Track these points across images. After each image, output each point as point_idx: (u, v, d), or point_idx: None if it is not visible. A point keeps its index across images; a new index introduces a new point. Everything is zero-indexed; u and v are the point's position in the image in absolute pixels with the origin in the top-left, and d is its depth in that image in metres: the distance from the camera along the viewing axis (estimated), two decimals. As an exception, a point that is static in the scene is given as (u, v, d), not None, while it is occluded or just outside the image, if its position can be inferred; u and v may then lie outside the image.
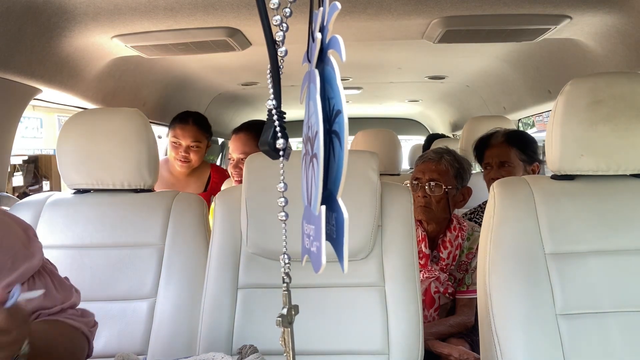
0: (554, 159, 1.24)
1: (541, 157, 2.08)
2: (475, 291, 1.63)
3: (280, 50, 0.49)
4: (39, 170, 5.68)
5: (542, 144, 2.44)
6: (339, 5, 0.42)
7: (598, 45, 1.77)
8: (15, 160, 5.00)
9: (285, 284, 0.53)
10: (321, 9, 0.46)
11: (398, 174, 2.99)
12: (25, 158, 5.34)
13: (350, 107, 4.79)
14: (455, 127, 4.58)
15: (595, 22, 1.63)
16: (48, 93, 1.78)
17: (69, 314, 0.91)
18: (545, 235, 1.19)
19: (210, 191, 2.42)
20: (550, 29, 1.71)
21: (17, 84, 1.57)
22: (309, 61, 0.49)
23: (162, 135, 3.14)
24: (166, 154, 2.60)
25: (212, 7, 1.50)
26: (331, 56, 0.44)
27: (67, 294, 0.93)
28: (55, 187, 5.58)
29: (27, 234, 0.89)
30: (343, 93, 0.41)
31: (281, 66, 0.49)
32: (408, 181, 1.89)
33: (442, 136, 4.26)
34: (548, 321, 1.13)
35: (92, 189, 1.48)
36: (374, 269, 1.31)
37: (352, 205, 1.29)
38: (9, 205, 1.56)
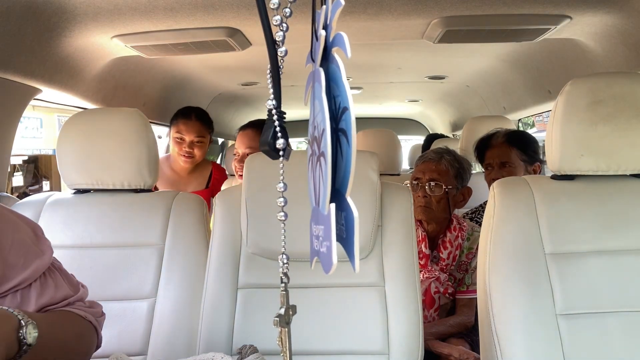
0: (554, 159, 1.24)
1: (541, 157, 2.08)
2: (475, 291, 1.63)
3: (280, 50, 0.49)
4: (39, 170, 5.68)
5: (542, 144, 2.44)
6: (342, 1, 0.42)
7: (598, 45, 1.77)
8: (15, 160, 5.00)
9: (283, 284, 0.53)
10: (324, 7, 0.46)
11: (398, 174, 3.00)
12: (25, 158, 5.34)
13: (351, 106, 4.78)
14: (455, 127, 4.58)
15: (595, 22, 1.63)
16: (48, 93, 1.78)
17: (76, 305, 0.93)
18: (545, 235, 1.19)
19: (211, 188, 2.43)
20: (550, 29, 1.71)
21: (17, 84, 1.57)
22: (313, 60, 0.49)
23: (162, 135, 3.14)
24: (167, 153, 2.60)
25: (212, 7, 1.50)
26: (336, 54, 0.44)
27: (75, 289, 0.95)
28: (55, 187, 5.58)
29: (36, 232, 0.91)
30: (349, 91, 0.41)
31: (281, 66, 0.49)
32: (408, 181, 1.89)
33: (442, 136, 4.26)
34: (548, 321, 1.13)
35: (92, 189, 1.48)
36: (374, 269, 1.31)
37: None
38: (9, 206, 1.56)
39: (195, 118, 2.29)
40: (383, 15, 1.63)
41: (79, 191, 1.49)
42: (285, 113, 0.50)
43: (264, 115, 0.50)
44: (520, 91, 2.76)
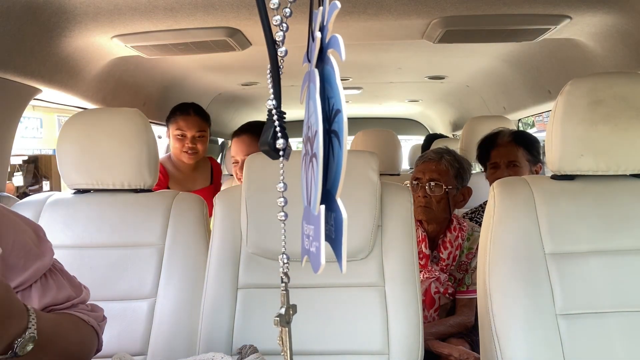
0: (554, 159, 1.24)
1: (542, 158, 2.08)
2: (475, 291, 1.63)
3: (280, 50, 0.49)
4: (39, 170, 5.69)
5: (542, 144, 2.44)
6: (338, 4, 0.42)
7: (598, 45, 1.77)
8: (15, 160, 5.00)
9: (283, 284, 0.53)
10: (321, 8, 0.46)
11: (398, 174, 3.00)
12: (25, 158, 5.35)
13: (350, 107, 4.79)
14: (455, 127, 4.58)
15: (595, 22, 1.63)
16: (48, 93, 1.78)
17: (79, 308, 0.92)
18: (545, 235, 1.19)
19: (215, 183, 2.43)
20: (550, 29, 1.71)
21: (17, 84, 1.57)
22: (309, 61, 0.49)
23: (162, 135, 3.14)
24: (166, 153, 2.58)
25: (212, 7, 1.50)
26: (331, 56, 0.44)
27: (77, 291, 0.94)
28: (55, 187, 5.58)
29: (37, 234, 0.90)
30: (342, 92, 0.41)
31: (281, 66, 0.49)
32: (408, 181, 1.89)
33: (442, 136, 4.26)
34: (548, 321, 1.13)
35: (92, 189, 1.48)
36: (374, 269, 1.31)
37: (352, 205, 1.29)
38: (9, 206, 1.56)
39: (193, 113, 2.25)
40: (383, 15, 1.63)
41: (79, 191, 1.49)
42: (285, 113, 0.50)
43: (264, 115, 0.50)
44: (520, 91, 2.76)
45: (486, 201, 1.39)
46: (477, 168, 2.49)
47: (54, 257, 0.94)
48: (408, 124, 5.87)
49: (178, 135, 2.23)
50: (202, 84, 3.11)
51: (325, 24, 0.45)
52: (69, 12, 1.50)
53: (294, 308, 0.53)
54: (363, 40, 2.02)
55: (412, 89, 3.88)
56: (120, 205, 1.45)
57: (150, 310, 1.37)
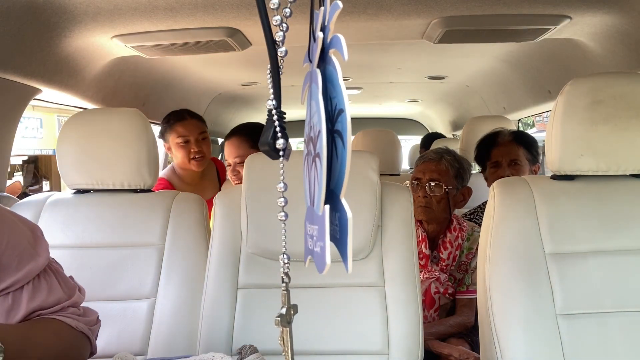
0: (554, 159, 1.24)
1: (541, 157, 2.08)
2: (475, 291, 1.63)
3: (280, 50, 0.49)
4: (39, 170, 5.69)
5: (542, 144, 2.44)
6: (340, 4, 0.42)
7: (598, 45, 1.77)
8: (15, 160, 5.00)
9: (284, 284, 0.53)
10: (322, 8, 0.46)
11: (398, 174, 3.00)
12: (25, 158, 5.35)
13: (350, 107, 4.74)
14: (455, 127, 4.58)
15: (595, 22, 1.63)
16: (48, 93, 1.78)
17: (69, 312, 0.91)
18: (545, 235, 1.19)
19: (223, 185, 2.38)
20: (550, 29, 1.71)
21: (17, 84, 1.57)
22: (310, 61, 0.49)
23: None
24: (165, 161, 2.52)
25: (212, 7, 1.50)
26: (333, 55, 0.44)
27: (71, 293, 0.93)
28: (55, 187, 5.58)
29: (34, 233, 0.90)
30: (345, 92, 0.41)
31: (281, 66, 0.49)
32: (408, 181, 1.89)
33: (440, 136, 4.27)
34: (548, 321, 1.13)
35: (92, 189, 1.48)
36: (374, 269, 1.31)
37: (352, 205, 1.28)
38: (9, 206, 1.56)
39: (189, 117, 2.16)
40: (383, 15, 1.63)
41: (79, 191, 1.49)
42: (285, 113, 0.50)
43: (264, 115, 0.50)
44: (520, 91, 2.76)
45: (485, 202, 1.39)
46: (476, 168, 2.49)
47: (53, 257, 0.93)
48: (408, 124, 5.87)
49: (181, 142, 2.11)
50: (202, 84, 3.11)
51: (326, 24, 0.44)
52: (69, 12, 1.49)
53: (294, 308, 0.53)
54: (363, 41, 2.02)
55: (412, 89, 3.88)
56: (120, 206, 1.45)
57: (150, 310, 1.37)
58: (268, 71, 0.49)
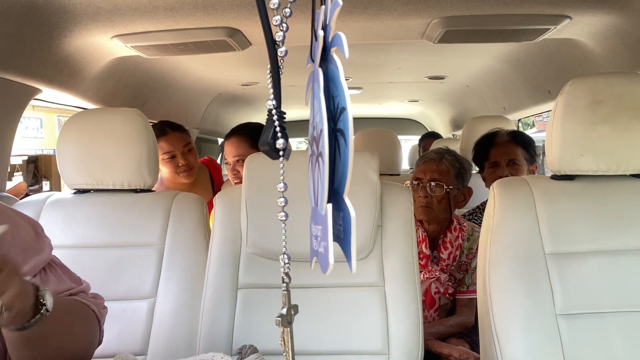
0: (554, 159, 1.24)
1: (541, 157, 2.09)
2: (475, 291, 1.63)
3: (280, 50, 0.49)
4: (39, 170, 5.69)
5: (542, 144, 2.45)
6: (340, 1, 0.42)
7: (598, 45, 1.77)
8: (15, 160, 5.00)
9: (284, 284, 0.53)
10: (323, 7, 0.46)
11: (398, 174, 3.00)
12: (25, 158, 5.35)
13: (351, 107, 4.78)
14: (455, 127, 4.58)
15: (595, 22, 1.63)
16: (48, 93, 1.78)
17: (80, 296, 0.94)
18: (545, 235, 1.19)
19: (217, 189, 2.37)
20: (550, 29, 1.71)
21: (17, 84, 1.57)
22: (312, 61, 0.49)
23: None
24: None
25: (212, 7, 1.50)
26: (334, 54, 0.44)
27: (78, 283, 0.97)
28: (55, 187, 5.58)
29: (36, 230, 0.92)
30: (347, 91, 0.41)
31: (281, 66, 0.49)
32: (408, 181, 1.89)
33: (438, 135, 4.29)
34: (548, 321, 1.13)
35: (92, 189, 1.48)
36: (374, 269, 1.31)
37: (352, 205, 1.29)
38: (9, 206, 1.56)
39: (170, 129, 2.11)
40: (383, 15, 1.63)
41: (79, 191, 1.49)
42: (285, 113, 0.50)
43: (264, 115, 0.50)
44: (520, 91, 2.76)
45: (484, 202, 1.39)
46: (476, 169, 2.49)
47: (54, 254, 0.95)
48: (408, 124, 5.87)
49: (166, 158, 2.07)
50: (202, 84, 3.11)
51: (327, 22, 0.44)
52: (69, 12, 1.49)
53: (295, 308, 0.53)
54: (363, 40, 2.02)
55: (412, 89, 3.88)
56: (120, 205, 1.45)
57: (150, 310, 1.37)
58: (268, 71, 0.49)
